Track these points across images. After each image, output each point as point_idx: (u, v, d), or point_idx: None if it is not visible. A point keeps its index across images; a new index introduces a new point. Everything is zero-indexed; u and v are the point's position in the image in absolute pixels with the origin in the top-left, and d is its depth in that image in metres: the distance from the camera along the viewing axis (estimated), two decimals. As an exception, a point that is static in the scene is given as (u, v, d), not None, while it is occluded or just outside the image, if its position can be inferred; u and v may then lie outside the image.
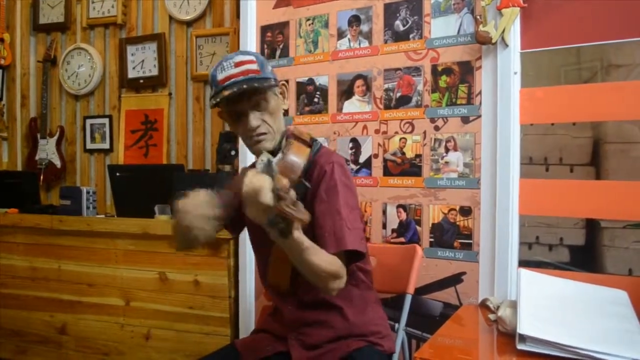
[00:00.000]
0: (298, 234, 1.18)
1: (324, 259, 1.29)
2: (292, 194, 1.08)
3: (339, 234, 1.35)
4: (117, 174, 2.72)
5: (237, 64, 1.40)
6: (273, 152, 1.38)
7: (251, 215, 1.13)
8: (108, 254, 2.60)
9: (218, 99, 1.38)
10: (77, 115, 3.37)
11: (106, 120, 3.26)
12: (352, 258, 1.40)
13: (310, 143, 1.39)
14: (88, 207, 2.74)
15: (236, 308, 2.38)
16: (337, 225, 1.35)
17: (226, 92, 1.37)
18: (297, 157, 1.22)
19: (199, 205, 1.28)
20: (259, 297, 2.36)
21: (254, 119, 1.40)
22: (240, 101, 1.40)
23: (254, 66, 1.41)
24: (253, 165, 1.52)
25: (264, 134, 1.42)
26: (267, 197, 1.08)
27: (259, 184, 1.10)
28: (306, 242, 1.23)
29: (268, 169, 1.20)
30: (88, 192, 2.76)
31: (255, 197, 1.09)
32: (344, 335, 1.49)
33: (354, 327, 1.50)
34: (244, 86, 1.37)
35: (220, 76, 1.41)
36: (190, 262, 2.42)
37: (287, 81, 2.34)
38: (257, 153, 1.43)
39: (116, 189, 2.73)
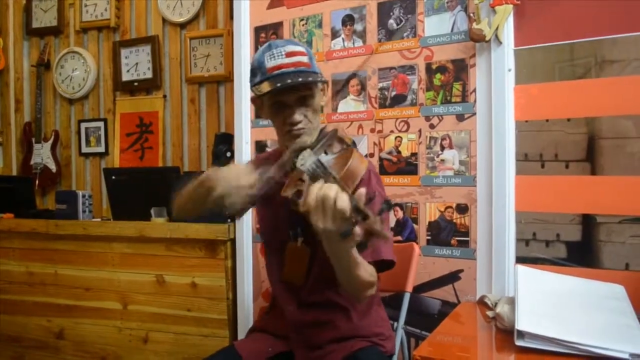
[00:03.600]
0: (353, 249, 1.17)
1: (367, 271, 1.28)
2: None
3: (374, 245, 1.32)
4: (113, 177, 2.71)
5: (289, 54, 1.37)
6: (310, 147, 1.32)
7: (323, 225, 1.07)
8: (105, 257, 2.60)
9: (269, 89, 1.34)
10: (72, 119, 3.36)
11: (101, 124, 3.25)
12: (383, 266, 1.39)
13: (351, 145, 1.35)
14: (84, 211, 2.74)
15: (234, 310, 2.38)
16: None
17: (278, 83, 1.33)
18: (359, 166, 1.19)
19: (239, 176, 1.24)
20: (257, 298, 2.36)
21: (298, 113, 1.38)
22: (287, 93, 1.36)
23: (305, 59, 1.39)
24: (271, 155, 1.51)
25: (303, 129, 1.39)
26: (346, 203, 1.03)
27: (333, 191, 1.05)
28: (358, 257, 1.21)
29: (321, 171, 1.16)
30: (84, 196, 2.76)
31: (331, 207, 1.04)
32: (348, 336, 1.48)
33: (359, 328, 1.50)
34: (299, 79, 1.33)
35: (269, 64, 1.36)
36: (188, 264, 2.42)
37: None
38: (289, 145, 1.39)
39: (112, 192, 2.72)
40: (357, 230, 1.03)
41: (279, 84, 1.33)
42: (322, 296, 1.47)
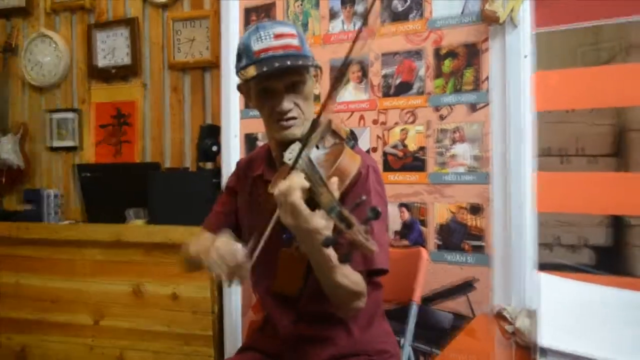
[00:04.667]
0: (329, 251, 1.19)
1: (350, 279, 1.28)
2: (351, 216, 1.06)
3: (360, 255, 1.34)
4: (86, 175, 2.71)
5: (277, 36, 1.36)
6: (300, 140, 1.34)
7: (284, 220, 1.17)
8: (74, 265, 2.57)
9: (255, 74, 1.34)
10: (41, 110, 3.32)
11: (73, 115, 3.22)
12: (375, 274, 1.40)
13: (346, 140, 1.36)
14: (49, 213, 2.71)
15: (220, 325, 2.36)
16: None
17: (265, 67, 1.32)
18: (350, 165, 1.21)
19: (234, 254, 1.28)
20: (246, 312, 2.34)
21: (287, 101, 1.37)
22: (275, 78, 1.36)
23: (295, 41, 1.38)
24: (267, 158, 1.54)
25: (294, 118, 1.39)
26: (296, 197, 1.12)
27: (288, 183, 1.14)
28: (334, 260, 1.21)
29: (309, 169, 1.18)
30: (49, 196, 2.72)
31: (285, 199, 1.13)
32: (349, 354, 1.46)
33: (359, 343, 1.48)
34: (288, 62, 1.33)
35: (256, 46, 1.36)
36: (169, 274, 2.40)
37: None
38: (281, 140, 1.41)
39: (85, 191, 2.72)
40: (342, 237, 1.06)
41: (265, 68, 1.33)
42: (320, 308, 1.44)
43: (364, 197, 1.08)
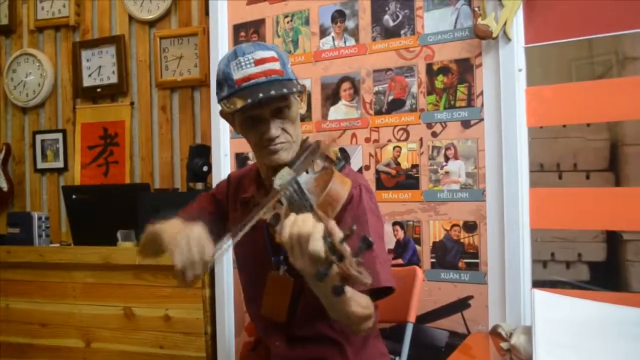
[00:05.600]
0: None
1: (361, 304, 1.28)
2: (347, 248, 1.04)
3: (371, 269, 1.29)
4: (73, 197, 2.70)
5: (258, 62, 1.35)
6: (289, 165, 1.35)
7: (298, 266, 1.11)
8: (64, 288, 2.58)
9: (239, 106, 1.32)
10: (26, 131, 3.36)
11: (59, 136, 3.25)
12: (381, 293, 1.39)
13: (335, 162, 1.33)
14: (40, 235, 2.72)
15: (214, 346, 2.36)
16: (369, 260, 1.31)
17: (249, 98, 1.31)
18: (341, 190, 1.18)
19: (200, 246, 1.25)
20: (240, 333, 2.34)
21: (275, 127, 1.37)
22: (259, 106, 1.34)
23: (277, 65, 1.36)
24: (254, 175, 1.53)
25: (282, 143, 1.38)
26: (319, 247, 1.05)
27: (307, 229, 1.07)
28: (349, 291, 1.19)
29: (298, 196, 1.17)
30: (40, 218, 2.74)
31: (303, 246, 1.07)
32: None
33: None
34: (272, 92, 1.31)
35: (237, 75, 1.34)
36: (160, 295, 2.40)
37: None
38: (270, 164, 1.40)
39: (72, 213, 2.71)
40: (334, 270, 1.03)
41: (249, 100, 1.31)
42: (313, 330, 1.46)
43: (354, 227, 1.05)
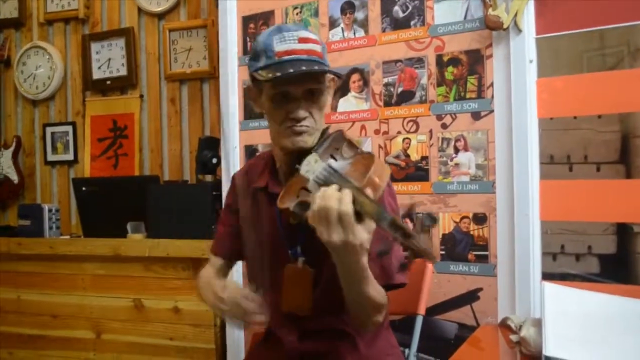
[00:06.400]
0: (365, 261, 1.16)
1: (378, 291, 1.28)
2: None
3: (386, 265, 1.34)
4: (83, 189, 2.72)
5: (302, 40, 1.33)
6: (314, 150, 1.32)
7: (328, 238, 1.11)
8: (74, 280, 2.60)
9: (277, 74, 1.28)
10: (36, 123, 3.37)
11: (69, 128, 3.26)
12: (392, 288, 1.39)
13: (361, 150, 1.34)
14: (51, 227, 2.74)
15: (223, 338, 2.38)
16: (384, 256, 1.34)
17: (291, 69, 1.28)
18: (383, 173, 1.17)
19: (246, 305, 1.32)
20: (249, 325, 2.34)
21: (303, 108, 1.33)
22: (295, 83, 1.31)
23: (318, 48, 1.35)
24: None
25: (307, 127, 1.34)
26: (349, 207, 1.07)
27: (336, 197, 1.09)
28: (369, 272, 1.21)
29: (337, 179, 1.15)
30: (50, 210, 2.76)
31: (334, 214, 1.08)
32: None
33: (366, 358, 1.47)
34: (315, 67, 1.30)
35: (279, 47, 1.32)
36: (170, 287, 2.42)
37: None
38: (291, 146, 1.35)
39: (82, 205, 2.73)
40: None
41: (291, 70, 1.28)
42: (326, 325, 1.45)
43: (415, 205, 1.08)
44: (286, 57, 1.31)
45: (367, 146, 2.15)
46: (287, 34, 1.33)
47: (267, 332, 1.64)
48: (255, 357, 1.65)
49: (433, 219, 1.04)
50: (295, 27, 1.36)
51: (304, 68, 1.28)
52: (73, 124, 3.25)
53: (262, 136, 2.32)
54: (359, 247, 1.10)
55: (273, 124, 1.39)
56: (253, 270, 1.61)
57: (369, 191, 1.11)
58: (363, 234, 1.09)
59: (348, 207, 1.07)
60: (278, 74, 1.28)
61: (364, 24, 2.17)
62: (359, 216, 1.08)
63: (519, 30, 1.83)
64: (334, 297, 1.28)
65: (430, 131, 2.04)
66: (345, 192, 1.09)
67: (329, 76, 1.40)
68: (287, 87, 1.32)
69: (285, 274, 1.43)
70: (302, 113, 1.33)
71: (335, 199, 1.08)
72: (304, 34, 1.35)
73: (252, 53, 1.39)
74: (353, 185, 1.11)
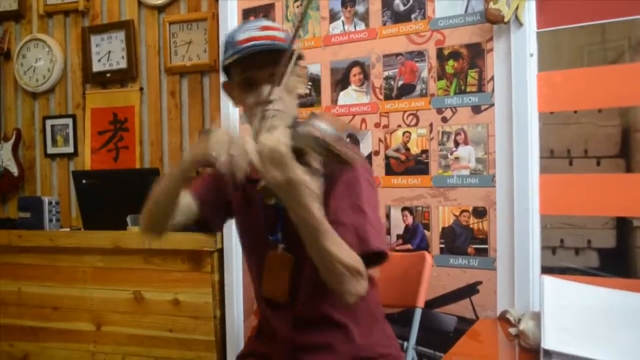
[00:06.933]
0: (319, 211, 1.17)
1: (344, 250, 1.23)
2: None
3: (362, 232, 1.30)
4: (83, 181, 2.72)
5: (263, 28, 1.37)
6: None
7: (288, 192, 1.14)
8: (75, 272, 2.60)
9: (236, 56, 1.34)
10: (36, 116, 3.37)
11: (69, 121, 3.26)
12: (372, 262, 1.34)
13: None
14: (51, 220, 2.74)
15: (222, 330, 2.39)
16: (359, 222, 1.31)
17: (246, 51, 1.33)
18: (330, 127, 1.16)
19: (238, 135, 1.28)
20: (248, 316, 2.36)
21: (270, 91, 1.34)
22: (257, 68, 1.36)
23: (281, 34, 1.38)
24: None
25: (277, 110, 1.36)
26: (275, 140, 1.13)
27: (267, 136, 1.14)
28: (326, 224, 1.19)
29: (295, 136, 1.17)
30: (50, 203, 2.76)
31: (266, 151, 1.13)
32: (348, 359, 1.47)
33: (361, 349, 1.47)
34: (268, 42, 1.34)
35: (240, 36, 1.36)
36: (169, 279, 2.42)
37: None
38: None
39: (82, 198, 2.73)
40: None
41: (246, 51, 1.33)
42: (317, 311, 1.45)
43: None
44: (246, 44, 1.34)
45: (367, 139, 2.15)
46: (249, 24, 1.39)
47: (260, 324, 1.66)
48: (251, 349, 1.65)
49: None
50: (260, 19, 1.44)
51: (257, 47, 1.32)
52: (73, 116, 3.25)
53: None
54: (303, 186, 1.12)
55: (246, 112, 1.44)
56: (247, 260, 1.64)
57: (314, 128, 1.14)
58: (305, 174, 1.12)
59: (283, 148, 1.11)
60: (236, 56, 1.33)
61: (365, 17, 2.17)
62: (302, 157, 1.14)
63: (520, 24, 1.83)
64: (322, 282, 1.27)
65: (431, 125, 2.04)
66: (282, 131, 1.14)
67: (301, 63, 1.43)
68: (251, 73, 1.37)
69: (266, 260, 1.46)
70: (269, 95, 1.34)
71: (273, 139, 1.13)
72: (266, 23, 1.41)
73: (224, 49, 1.43)
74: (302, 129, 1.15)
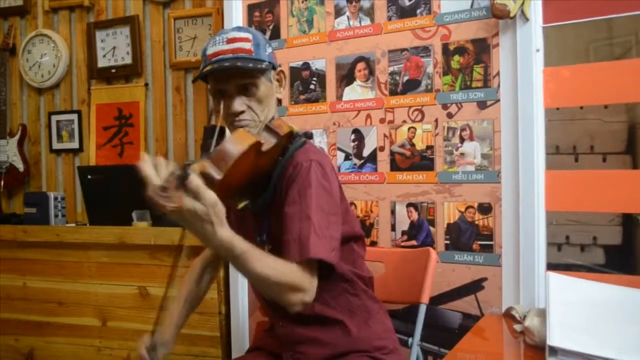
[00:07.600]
0: (228, 237, 1.14)
1: (272, 267, 1.23)
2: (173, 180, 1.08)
3: (304, 240, 1.29)
4: (89, 177, 2.72)
5: (230, 40, 1.43)
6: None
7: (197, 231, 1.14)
8: (80, 267, 2.61)
9: (205, 70, 1.41)
10: (41, 111, 3.38)
11: (74, 116, 3.26)
12: (323, 271, 1.33)
13: (288, 137, 1.38)
14: (56, 215, 2.75)
15: (227, 326, 2.39)
16: (304, 230, 1.30)
17: (209, 68, 1.40)
18: (234, 146, 1.16)
19: None
20: (253, 312, 2.36)
21: (239, 103, 1.42)
22: (226, 81, 1.42)
23: (247, 45, 1.43)
24: None
25: (247, 120, 1.43)
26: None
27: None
28: (239, 247, 1.17)
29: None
30: (56, 198, 2.77)
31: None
32: (345, 352, 1.49)
33: (357, 342, 1.50)
34: (226, 64, 1.39)
35: (210, 50, 1.44)
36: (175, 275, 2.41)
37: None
38: None
39: (88, 193, 2.73)
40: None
41: (208, 68, 1.41)
42: (311, 310, 1.45)
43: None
44: (214, 59, 1.43)
45: (372, 135, 2.15)
46: (218, 37, 1.46)
47: (271, 321, 1.68)
48: (259, 343, 1.69)
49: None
50: (230, 29, 1.48)
51: (226, 64, 1.39)
52: (78, 112, 3.26)
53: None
54: (202, 215, 1.08)
55: (224, 119, 1.48)
56: None
57: (217, 161, 1.13)
58: (195, 202, 1.08)
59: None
60: (200, 75, 1.44)
61: (370, 13, 2.16)
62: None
63: (526, 19, 1.82)
64: None
65: (436, 120, 2.03)
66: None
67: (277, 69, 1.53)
68: (220, 85, 1.44)
69: None
70: (237, 107, 1.42)
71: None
72: (234, 34, 1.46)
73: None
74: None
